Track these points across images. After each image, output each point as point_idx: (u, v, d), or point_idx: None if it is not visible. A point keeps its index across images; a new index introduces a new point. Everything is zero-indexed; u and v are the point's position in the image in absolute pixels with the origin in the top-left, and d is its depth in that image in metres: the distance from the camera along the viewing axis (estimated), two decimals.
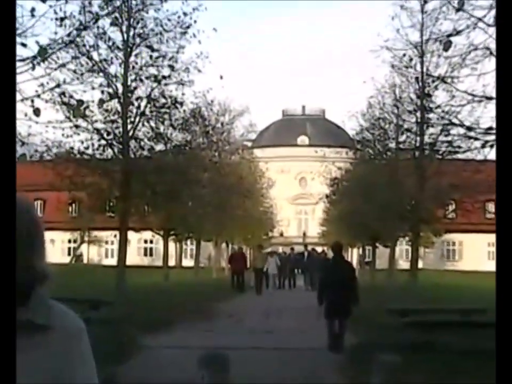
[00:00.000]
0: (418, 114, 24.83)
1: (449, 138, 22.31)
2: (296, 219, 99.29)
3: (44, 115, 17.28)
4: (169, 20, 21.60)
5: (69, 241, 77.79)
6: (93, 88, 20.97)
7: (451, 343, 12.49)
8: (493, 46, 13.44)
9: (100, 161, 22.54)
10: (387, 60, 24.72)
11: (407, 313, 15.89)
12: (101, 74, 21.23)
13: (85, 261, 77.42)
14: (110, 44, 21.18)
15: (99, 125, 21.97)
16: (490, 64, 14.47)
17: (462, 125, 17.51)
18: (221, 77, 22.76)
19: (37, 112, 11.67)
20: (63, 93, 19.91)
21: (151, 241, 74.74)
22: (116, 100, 21.80)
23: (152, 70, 22.00)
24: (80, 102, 16.47)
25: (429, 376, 10.21)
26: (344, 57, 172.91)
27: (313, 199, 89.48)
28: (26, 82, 14.20)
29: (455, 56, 16.98)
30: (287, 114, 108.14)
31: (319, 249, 44.10)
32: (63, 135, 21.52)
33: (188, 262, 64.13)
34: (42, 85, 17.42)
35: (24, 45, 12.57)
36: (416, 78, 24.20)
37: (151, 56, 21.83)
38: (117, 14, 20.88)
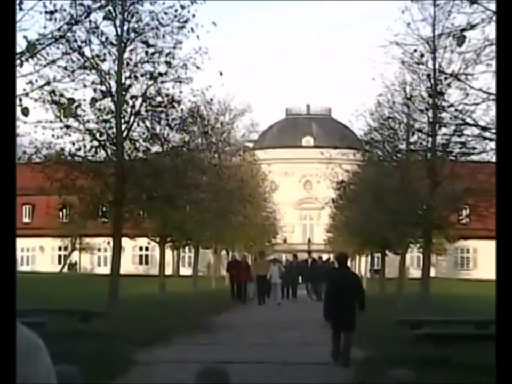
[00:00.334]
0: (430, 113, 24.79)
1: (463, 139, 22.31)
2: (300, 225, 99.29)
3: (33, 115, 17.32)
4: (165, 13, 21.59)
5: (60, 248, 77.82)
6: (85, 86, 20.98)
7: (467, 357, 12.46)
8: None
9: (92, 164, 22.53)
10: (397, 55, 24.68)
11: (419, 325, 15.86)
12: (93, 71, 21.22)
13: (79, 269, 77.48)
14: (103, 39, 21.18)
15: (91, 125, 21.97)
16: None
17: (476, 125, 17.51)
18: (221, 74, 22.75)
19: (25, 111, 11.65)
20: (53, 91, 19.91)
21: (147, 249, 74.66)
22: (109, 99, 21.79)
23: (148, 67, 22.02)
24: (71, 100, 16.45)
25: None
26: (351, 53, 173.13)
27: (318, 203, 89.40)
28: None
29: (469, 52, 17.01)
30: (291, 113, 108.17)
31: (324, 256, 44.14)
32: (53, 135, 21.55)
33: (185, 270, 64.09)
34: (31, 82, 17.43)
35: None
36: (428, 75, 24.17)
37: (146, 52, 21.83)
38: (110, 7, 20.88)
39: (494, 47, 14.63)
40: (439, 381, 10.92)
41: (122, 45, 21.67)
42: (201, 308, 25.41)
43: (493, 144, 17.13)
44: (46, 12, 18.52)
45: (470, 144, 22.20)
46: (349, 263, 15.36)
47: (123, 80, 21.82)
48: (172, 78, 22.23)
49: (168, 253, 55.29)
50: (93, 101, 20.65)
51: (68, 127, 21.53)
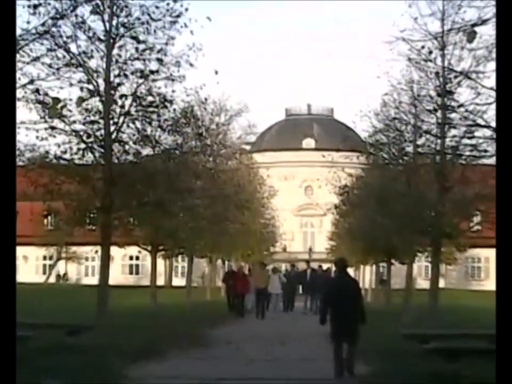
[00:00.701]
0: (438, 114, 24.81)
1: (473, 141, 22.32)
2: (301, 232, 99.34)
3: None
4: (157, 7, 21.58)
5: (44, 257, 77.91)
6: (71, 85, 20.98)
7: (478, 374, 12.44)
8: None
9: (79, 167, 22.50)
10: (403, 52, 24.66)
11: (428, 339, 15.86)
12: (80, 69, 21.21)
13: (69, 280, 77.50)
14: (90, 34, 21.17)
15: (78, 126, 21.93)
16: None
17: (488, 126, 17.49)
18: (216, 72, 22.72)
19: None
20: (37, 90, 19.91)
21: (137, 258, 74.78)
22: (97, 98, 21.77)
23: (138, 64, 21.99)
24: (57, 100, 16.49)
25: None
26: (355, 49, 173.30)
27: (320, 209, 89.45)
28: None
29: (481, 49, 17.06)
30: (290, 114, 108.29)
31: (325, 266, 44.06)
32: (37, 137, 21.51)
33: (178, 281, 64.22)
34: None
35: None
36: (436, 73, 24.19)
37: (136, 49, 21.81)
38: (98, 1, 20.88)
39: None
40: None
41: (111, 41, 21.65)
42: (195, 321, 25.40)
43: None
44: (30, 6, 18.56)
45: (482, 146, 22.20)
46: (351, 272, 15.37)
47: (112, 79, 21.80)
48: (163, 76, 22.22)
49: (160, 263, 55.39)
50: (80, 100, 20.64)
51: (53, 128, 21.50)
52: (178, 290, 46.64)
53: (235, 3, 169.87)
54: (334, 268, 19.08)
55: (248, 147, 57.66)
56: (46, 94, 19.76)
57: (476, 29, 13.47)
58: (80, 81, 21.23)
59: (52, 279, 75.51)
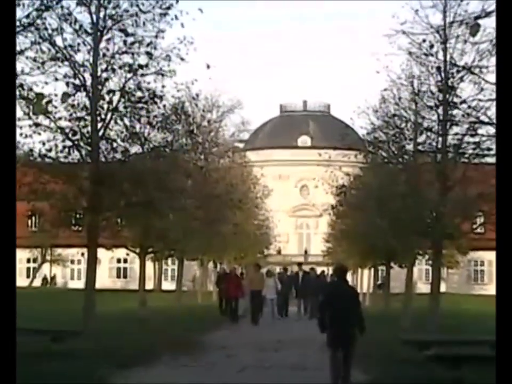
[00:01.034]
0: (440, 110, 24.81)
1: (476, 139, 22.32)
2: (296, 234, 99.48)
3: None
4: None
5: (28, 260, 77.73)
6: (57, 80, 20.95)
7: (481, 381, 12.47)
8: None
9: (64, 166, 22.46)
10: (404, 46, 24.69)
11: (428, 345, 15.88)
12: (66, 63, 21.19)
13: (55, 283, 77.40)
14: (77, 27, 21.14)
15: (63, 123, 21.90)
16: None
17: (491, 123, 17.51)
18: (208, 67, 22.75)
19: None
20: (21, 85, 19.86)
21: (125, 261, 74.83)
22: (84, 94, 21.75)
23: (127, 58, 21.96)
24: (41, 95, 16.45)
25: None
26: (353, 43, 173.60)
27: (316, 210, 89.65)
28: None
29: (484, 42, 17.06)
30: (285, 110, 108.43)
31: (319, 269, 43.90)
32: (21, 134, 21.46)
33: (168, 284, 64.18)
34: None
35: None
36: (438, 68, 24.20)
37: (125, 42, 21.79)
38: None
39: None
40: None
41: (98, 33, 21.62)
42: (186, 326, 25.41)
43: None
44: None
45: (485, 144, 22.19)
46: (349, 278, 15.39)
47: (99, 73, 21.77)
48: (153, 71, 22.19)
49: (149, 266, 55.30)
50: (66, 96, 20.61)
51: (37, 125, 21.46)
52: (168, 294, 46.65)
53: None
54: (330, 272, 19.10)
55: (241, 145, 57.76)
56: (31, 89, 19.73)
57: (479, 21, 13.50)
58: (66, 76, 21.20)
59: (37, 283, 75.43)
